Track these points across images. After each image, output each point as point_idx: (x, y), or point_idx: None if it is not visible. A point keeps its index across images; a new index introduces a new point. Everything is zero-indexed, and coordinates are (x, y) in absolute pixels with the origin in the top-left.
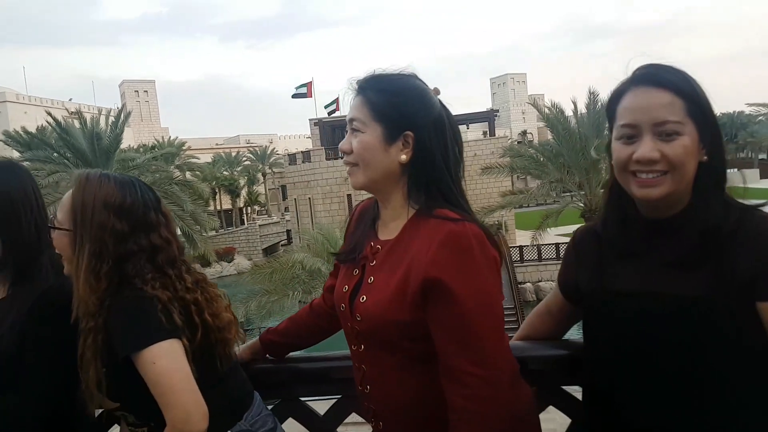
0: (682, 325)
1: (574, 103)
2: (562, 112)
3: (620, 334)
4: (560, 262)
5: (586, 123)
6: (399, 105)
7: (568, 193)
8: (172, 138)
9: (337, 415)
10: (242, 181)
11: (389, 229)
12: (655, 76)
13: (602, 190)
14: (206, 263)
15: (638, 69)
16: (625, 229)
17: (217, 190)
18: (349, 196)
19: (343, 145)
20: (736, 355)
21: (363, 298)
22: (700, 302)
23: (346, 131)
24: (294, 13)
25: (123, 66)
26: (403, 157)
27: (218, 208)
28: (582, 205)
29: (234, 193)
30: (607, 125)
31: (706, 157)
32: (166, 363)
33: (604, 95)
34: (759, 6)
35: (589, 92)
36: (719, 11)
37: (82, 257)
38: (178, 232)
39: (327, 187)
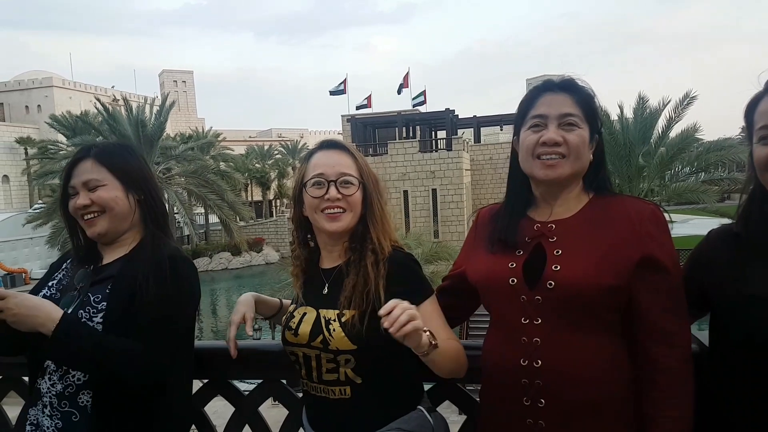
0: None
1: (621, 108)
2: (607, 116)
3: (756, 337)
4: None
5: (632, 129)
6: (597, 110)
7: None
8: (207, 129)
9: None
10: (273, 174)
11: (557, 212)
12: None
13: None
14: (237, 252)
15: None
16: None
17: (249, 182)
18: None
19: (553, 136)
20: None
21: (556, 267)
22: None
23: (536, 125)
24: (327, 10)
25: (161, 56)
26: (591, 155)
27: (250, 199)
28: None
29: (265, 186)
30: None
31: None
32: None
33: (653, 101)
34: None
35: (639, 97)
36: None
37: (378, 210)
38: (215, 220)
39: None
